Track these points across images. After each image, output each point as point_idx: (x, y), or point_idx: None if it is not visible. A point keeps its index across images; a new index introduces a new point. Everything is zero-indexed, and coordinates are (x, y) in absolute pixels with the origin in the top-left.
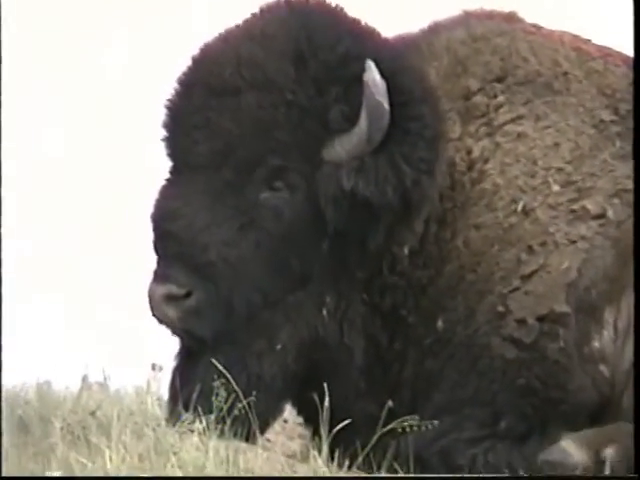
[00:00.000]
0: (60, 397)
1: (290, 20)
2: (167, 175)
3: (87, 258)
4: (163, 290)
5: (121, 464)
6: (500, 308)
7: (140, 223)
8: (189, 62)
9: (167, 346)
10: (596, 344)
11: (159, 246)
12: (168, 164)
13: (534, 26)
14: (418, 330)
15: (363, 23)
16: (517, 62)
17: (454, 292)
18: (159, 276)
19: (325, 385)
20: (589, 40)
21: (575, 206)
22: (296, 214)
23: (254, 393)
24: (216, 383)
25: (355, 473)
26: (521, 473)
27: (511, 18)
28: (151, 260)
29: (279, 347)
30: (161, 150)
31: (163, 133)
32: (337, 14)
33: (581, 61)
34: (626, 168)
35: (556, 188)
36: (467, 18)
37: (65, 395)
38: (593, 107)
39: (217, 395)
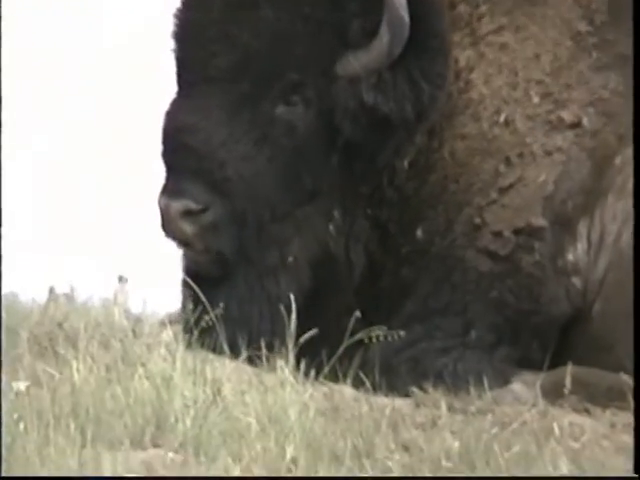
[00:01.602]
0: (27, 309)
1: None
2: (178, 87)
3: (55, 170)
4: (179, 205)
5: (88, 375)
6: (477, 220)
7: (105, 138)
8: None
9: (134, 258)
10: (570, 256)
11: (173, 159)
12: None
13: None
14: (398, 239)
15: None
16: None
17: (436, 202)
18: (173, 191)
19: (292, 297)
20: None
21: (551, 117)
22: (309, 129)
23: (274, 312)
24: (184, 295)
25: (321, 384)
26: (486, 382)
27: None
28: (121, 171)
29: (290, 260)
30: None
31: (174, 44)
32: None
33: None
34: (601, 79)
35: (535, 100)
36: None
37: (32, 307)
38: (570, 18)
39: (185, 307)
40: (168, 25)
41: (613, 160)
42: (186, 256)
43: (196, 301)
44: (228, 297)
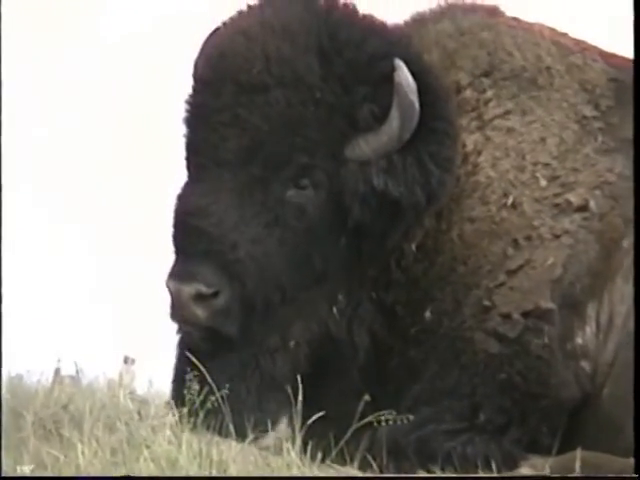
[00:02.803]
0: (32, 391)
1: (308, 15)
2: (189, 171)
3: (57, 250)
4: (191, 290)
5: (93, 458)
6: (486, 302)
7: (115, 215)
8: (208, 57)
9: (139, 339)
10: (579, 340)
11: (185, 242)
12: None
13: (514, 19)
14: (405, 320)
15: (375, 17)
16: (503, 57)
17: (444, 283)
18: (184, 274)
19: (299, 377)
20: (566, 33)
21: (559, 200)
22: (319, 211)
23: (265, 392)
24: (188, 376)
25: (327, 466)
26: (494, 466)
27: (493, 11)
28: (122, 251)
29: (292, 344)
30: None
31: (185, 129)
32: (352, 9)
33: (562, 55)
34: (607, 162)
35: (543, 183)
36: (451, 10)
37: (37, 389)
38: (576, 102)
39: (189, 388)
40: (170, 26)
41: (620, 243)
42: (186, 334)
43: (202, 382)
44: (220, 373)
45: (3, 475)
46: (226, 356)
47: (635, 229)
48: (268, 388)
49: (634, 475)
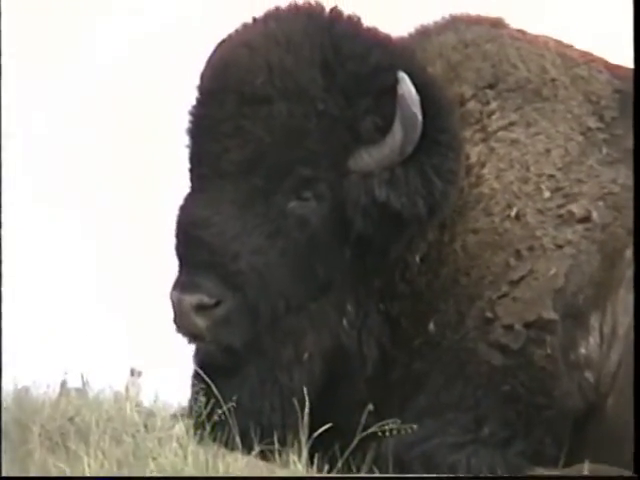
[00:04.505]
0: (38, 403)
1: (312, 27)
2: (192, 182)
3: (64, 262)
4: (193, 300)
5: (99, 470)
6: (488, 314)
7: (121, 226)
8: (212, 68)
9: (145, 351)
10: (582, 350)
11: (187, 253)
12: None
13: (519, 31)
14: (410, 332)
15: (379, 30)
16: (507, 69)
17: (448, 295)
18: (187, 285)
19: (305, 390)
20: (572, 45)
21: (562, 211)
22: (321, 223)
23: (286, 405)
24: (195, 388)
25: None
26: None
27: (498, 23)
28: (128, 263)
29: (306, 356)
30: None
31: (188, 139)
32: (356, 22)
33: (567, 67)
34: (611, 173)
35: (546, 194)
36: (455, 23)
37: (43, 401)
38: (580, 114)
39: (196, 400)
40: (172, 32)
41: (623, 253)
42: (199, 349)
43: (208, 394)
44: (240, 390)
45: (3, 475)
46: (242, 371)
47: (635, 238)
48: (290, 403)
49: (634, 475)
